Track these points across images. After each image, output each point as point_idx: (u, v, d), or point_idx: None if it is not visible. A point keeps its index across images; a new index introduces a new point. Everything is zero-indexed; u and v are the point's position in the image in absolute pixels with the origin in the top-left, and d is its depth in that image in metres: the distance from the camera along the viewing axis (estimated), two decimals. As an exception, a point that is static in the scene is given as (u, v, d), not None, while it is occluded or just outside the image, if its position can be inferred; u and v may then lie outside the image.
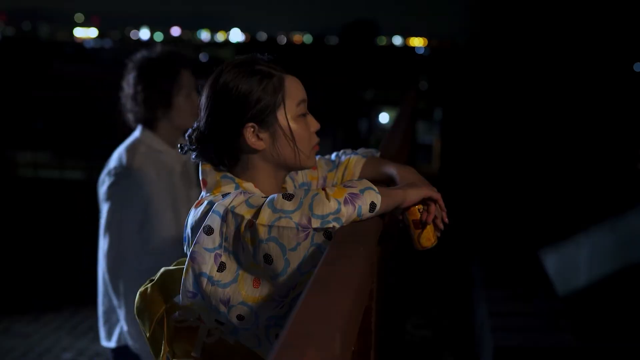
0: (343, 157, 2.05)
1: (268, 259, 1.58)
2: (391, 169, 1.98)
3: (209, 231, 1.63)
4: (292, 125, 1.76)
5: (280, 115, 1.75)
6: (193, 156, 1.81)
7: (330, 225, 1.57)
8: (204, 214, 1.67)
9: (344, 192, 1.61)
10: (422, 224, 1.76)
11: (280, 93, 1.75)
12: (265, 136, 1.75)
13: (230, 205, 1.63)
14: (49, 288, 5.60)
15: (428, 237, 1.77)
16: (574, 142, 8.71)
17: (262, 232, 1.57)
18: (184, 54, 3.25)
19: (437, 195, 1.77)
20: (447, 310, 5.62)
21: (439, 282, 6.15)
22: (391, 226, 1.92)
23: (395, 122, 3.84)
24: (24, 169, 6.35)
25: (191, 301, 1.69)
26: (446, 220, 1.79)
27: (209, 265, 1.63)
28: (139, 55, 3.00)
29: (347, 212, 1.58)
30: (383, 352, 2.59)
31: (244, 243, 1.60)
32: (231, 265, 1.64)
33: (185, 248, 1.78)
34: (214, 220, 1.63)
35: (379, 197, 1.64)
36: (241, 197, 1.65)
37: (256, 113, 1.73)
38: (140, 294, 1.86)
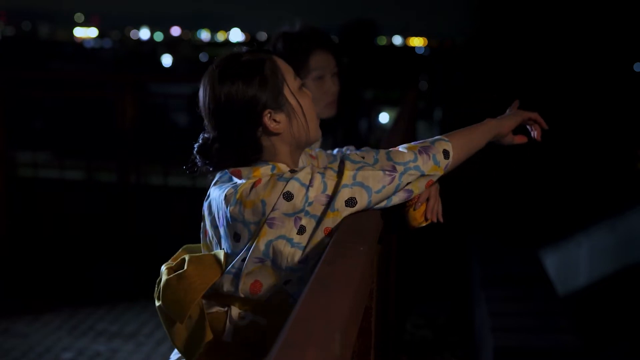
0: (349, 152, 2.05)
1: (352, 202, 1.68)
2: None
3: (289, 197, 1.67)
4: (299, 98, 1.81)
5: (287, 91, 1.79)
6: (210, 169, 1.81)
7: (414, 173, 1.73)
8: (272, 187, 1.69)
9: (416, 147, 1.77)
10: (416, 206, 1.84)
11: (279, 72, 1.79)
12: (281, 117, 1.78)
13: (315, 171, 1.71)
14: (49, 288, 5.59)
15: (416, 217, 1.85)
16: (573, 142, 8.70)
17: (347, 178, 1.68)
18: (322, 31, 2.63)
19: (534, 115, 2.06)
20: (447, 310, 5.61)
21: (438, 283, 6.14)
22: (391, 226, 1.93)
23: (395, 122, 3.84)
24: (24, 169, 6.33)
25: (257, 266, 1.71)
26: (442, 219, 1.86)
27: (289, 229, 1.67)
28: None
29: (424, 161, 1.75)
30: (383, 352, 2.59)
31: (327, 196, 1.68)
32: (310, 227, 1.69)
33: (204, 228, 1.83)
34: (293, 187, 1.68)
35: (449, 144, 1.80)
36: (316, 171, 1.72)
37: (267, 100, 1.76)
38: (168, 283, 1.79)
